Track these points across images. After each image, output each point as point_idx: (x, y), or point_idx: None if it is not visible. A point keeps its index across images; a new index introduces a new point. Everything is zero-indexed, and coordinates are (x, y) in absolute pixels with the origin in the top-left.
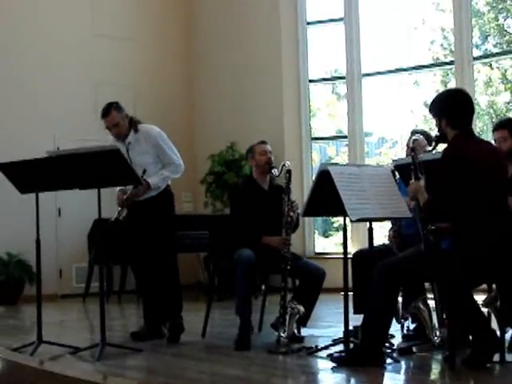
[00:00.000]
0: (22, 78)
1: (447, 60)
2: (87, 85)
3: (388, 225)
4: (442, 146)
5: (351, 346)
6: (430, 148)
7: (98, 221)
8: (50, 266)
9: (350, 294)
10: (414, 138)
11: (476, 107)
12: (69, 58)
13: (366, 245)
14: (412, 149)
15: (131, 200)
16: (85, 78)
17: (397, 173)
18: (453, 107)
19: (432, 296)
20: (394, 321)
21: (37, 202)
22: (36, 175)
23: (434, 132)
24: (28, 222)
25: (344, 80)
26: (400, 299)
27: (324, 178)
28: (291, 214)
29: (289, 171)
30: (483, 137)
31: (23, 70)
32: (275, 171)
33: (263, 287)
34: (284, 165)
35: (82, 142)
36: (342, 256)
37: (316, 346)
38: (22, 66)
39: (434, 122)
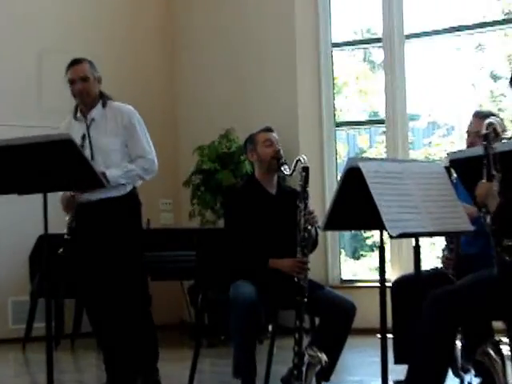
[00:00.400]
0: None
1: None
2: (28, 54)
3: (440, 242)
4: None
5: None
6: (508, 135)
7: (44, 237)
8: None
9: (390, 336)
10: (488, 121)
11: None
12: (3, 19)
13: (410, 269)
14: (485, 136)
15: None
16: (24, 45)
17: (453, 170)
18: None
19: (507, 340)
20: (450, 373)
21: None
22: None
23: (507, 113)
24: None
25: (380, 43)
26: (459, 344)
27: (353, 178)
28: (309, 227)
29: (305, 169)
30: None
31: None
32: (286, 169)
33: (270, 328)
34: (299, 160)
35: (21, 130)
36: (378, 284)
37: None
38: None
39: (506, 100)
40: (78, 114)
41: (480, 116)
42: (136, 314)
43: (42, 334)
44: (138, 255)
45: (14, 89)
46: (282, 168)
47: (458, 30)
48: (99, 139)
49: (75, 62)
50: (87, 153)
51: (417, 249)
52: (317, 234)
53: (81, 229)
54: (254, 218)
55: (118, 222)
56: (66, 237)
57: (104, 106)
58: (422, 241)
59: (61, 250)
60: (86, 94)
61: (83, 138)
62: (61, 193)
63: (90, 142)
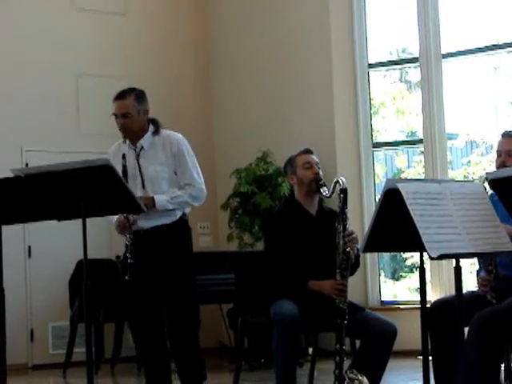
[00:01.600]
0: None
1: None
2: (65, 78)
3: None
4: None
5: None
6: None
7: (84, 262)
8: (17, 325)
9: (432, 358)
10: None
11: None
12: (39, 41)
13: (450, 290)
14: None
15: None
16: (62, 69)
17: (488, 188)
18: None
19: None
20: None
21: None
22: None
23: None
24: None
25: (417, 63)
26: (503, 366)
27: (392, 200)
28: (348, 249)
29: (344, 191)
30: None
31: None
32: (325, 190)
33: (311, 351)
34: (337, 182)
35: (60, 156)
36: (418, 306)
37: None
38: None
39: None
40: (127, 142)
41: (511, 135)
42: (187, 335)
43: (82, 358)
44: (191, 280)
45: (52, 114)
46: (321, 190)
47: (495, 49)
48: (149, 168)
49: (119, 97)
50: (138, 181)
51: (458, 270)
52: (357, 255)
53: (136, 256)
54: (295, 239)
55: (171, 249)
56: (129, 261)
57: (154, 134)
58: (463, 261)
59: (127, 276)
60: (128, 130)
61: (123, 157)
62: (114, 218)
63: (140, 170)
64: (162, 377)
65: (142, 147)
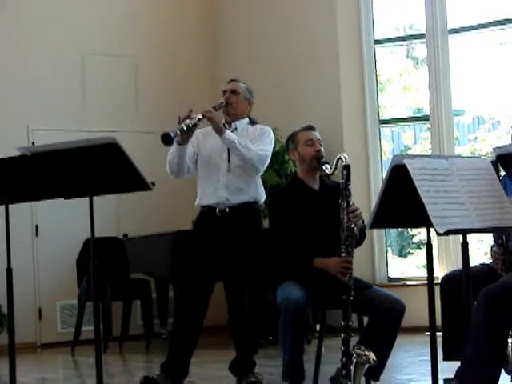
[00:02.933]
0: None
1: None
2: (72, 57)
3: (488, 238)
4: None
5: None
6: None
7: (91, 241)
8: (25, 304)
9: (439, 334)
10: None
11: None
12: (45, 21)
13: (457, 266)
14: None
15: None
16: (68, 48)
17: (500, 166)
18: None
19: None
20: (502, 371)
21: (7, 218)
22: (4, 181)
23: None
24: None
25: (423, 39)
26: (509, 341)
27: (398, 176)
28: (352, 225)
29: (347, 167)
30: None
31: None
32: (327, 168)
33: (318, 327)
34: (340, 159)
35: (66, 134)
36: (426, 282)
37: None
38: None
39: None
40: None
41: None
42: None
43: (91, 337)
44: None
45: (58, 93)
46: (323, 167)
47: (502, 24)
48: None
49: (234, 80)
50: (225, 156)
51: (465, 245)
52: (363, 230)
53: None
54: (300, 215)
55: (245, 226)
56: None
57: (251, 123)
58: (470, 237)
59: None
60: (231, 105)
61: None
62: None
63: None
64: (187, 353)
65: (236, 128)
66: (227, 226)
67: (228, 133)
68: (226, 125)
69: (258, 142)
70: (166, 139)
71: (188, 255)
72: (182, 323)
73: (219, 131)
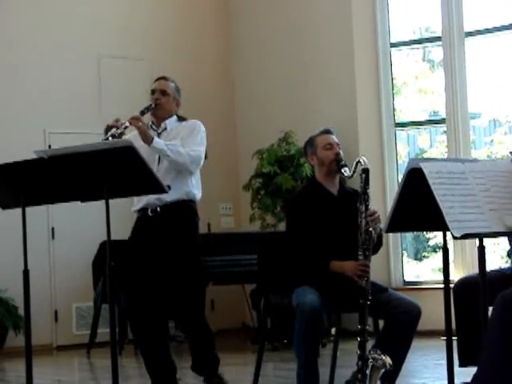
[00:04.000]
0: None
1: None
2: (88, 60)
3: (503, 242)
4: None
5: None
6: None
7: (107, 243)
8: (41, 306)
9: (455, 338)
10: None
11: None
12: (61, 23)
13: (473, 270)
14: None
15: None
16: (84, 51)
17: None
18: None
19: None
20: None
21: (23, 221)
22: (21, 184)
23: None
24: (12, 247)
25: (439, 42)
26: None
27: (414, 179)
28: (370, 229)
29: (365, 171)
30: None
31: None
32: (346, 171)
33: (333, 331)
34: (359, 162)
35: (82, 137)
36: (441, 286)
37: None
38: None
39: None
40: (149, 124)
41: None
42: (191, 315)
43: (106, 339)
44: (196, 259)
45: (74, 96)
46: (343, 170)
47: None
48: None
49: (162, 78)
50: (155, 157)
51: (481, 249)
52: (380, 235)
53: (140, 234)
54: (317, 219)
55: (174, 229)
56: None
57: (180, 120)
58: (486, 241)
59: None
60: (161, 106)
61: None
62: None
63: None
64: (164, 366)
65: (165, 128)
66: (160, 225)
67: (156, 141)
68: (154, 126)
69: (189, 141)
70: None
71: (122, 264)
72: (140, 343)
73: (147, 140)
